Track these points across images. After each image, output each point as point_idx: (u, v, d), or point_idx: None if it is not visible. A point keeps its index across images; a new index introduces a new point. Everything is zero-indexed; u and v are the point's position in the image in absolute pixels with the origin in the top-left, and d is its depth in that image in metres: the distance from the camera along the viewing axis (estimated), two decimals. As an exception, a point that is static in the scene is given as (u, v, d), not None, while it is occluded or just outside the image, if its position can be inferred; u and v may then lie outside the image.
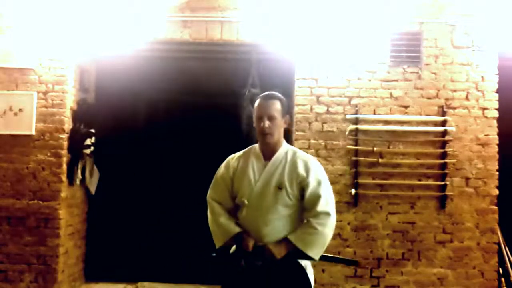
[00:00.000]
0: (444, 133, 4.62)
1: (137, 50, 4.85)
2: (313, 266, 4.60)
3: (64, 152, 4.61)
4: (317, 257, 2.48)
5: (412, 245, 4.57)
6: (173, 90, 5.27)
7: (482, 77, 4.67)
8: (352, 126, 4.61)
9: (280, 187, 2.48)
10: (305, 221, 2.51)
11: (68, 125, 4.66)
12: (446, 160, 4.58)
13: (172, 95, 5.28)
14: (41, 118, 4.60)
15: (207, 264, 2.70)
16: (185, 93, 5.25)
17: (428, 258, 4.56)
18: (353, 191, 4.56)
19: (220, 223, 2.54)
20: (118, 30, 4.63)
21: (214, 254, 2.57)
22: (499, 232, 4.65)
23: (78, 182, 4.80)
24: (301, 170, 2.52)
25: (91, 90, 5.18)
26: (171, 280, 5.10)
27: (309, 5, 4.64)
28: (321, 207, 2.47)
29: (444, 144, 4.62)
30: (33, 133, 4.57)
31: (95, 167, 5.07)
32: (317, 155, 4.63)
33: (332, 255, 2.62)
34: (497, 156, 4.62)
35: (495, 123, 4.64)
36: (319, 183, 2.53)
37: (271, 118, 2.51)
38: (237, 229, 2.50)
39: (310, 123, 4.66)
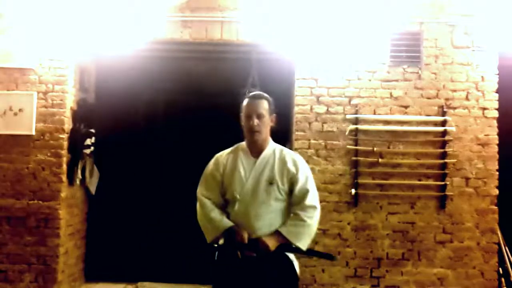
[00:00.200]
0: (444, 133, 4.62)
1: (137, 50, 4.85)
2: (313, 266, 4.62)
3: (64, 152, 4.61)
4: (304, 248, 2.59)
5: (412, 245, 4.57)
6: (173, 90, 5.27)
7: (482, 77, 4.67)
8: (352, 126, 4.61)
9: (271, 182, 2.60)
10: (292, 214, 2.63)
11: (68, 125, 4.66)
12: (446, 160, 4.59)
13: (172, 95, 5.29)
14: (41, 118, 4.59)
15: (208, 261, 2.75)
16: (185, 93, 5.26)
17: (428, 258, 4.56)
18: (353, 191, 4.57)
19: (211, 218, 2.62)
20: (118, 30, 4.62)
21: (216, 245, 2.64)
22: (499, 232, 4.65)
23: (78, 182, 4.80)
24: (291, 166, 2.64)
25: (91, 90, 5.18)
26: (171, 280, 5.10)
27: (309, 5, 4.63)
28: (309, 201, 2.61)
29: (444, 144, 4.62)
30: (33, 133, 4.57)
31: (95, 167, 5.08)
32: (317, 155, 4.63)
33: (311, 249, 2.76)
34: (497, 156, 4.62)
35: (495, 123, 4.64)
36: (307, 179, 2.66)
37: (259, 117, 2.63)
38: (229, 223, 2.59)
39: (310, 123, 4.66)
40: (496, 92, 4.66)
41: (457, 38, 4.69)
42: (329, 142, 4.64)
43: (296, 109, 4.68)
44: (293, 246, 2.57)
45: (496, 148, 4.63)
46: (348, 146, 4.62)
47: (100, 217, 5.20)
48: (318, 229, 4.52)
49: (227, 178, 2.67)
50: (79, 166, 4.78)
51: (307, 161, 4.51)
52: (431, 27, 4.68)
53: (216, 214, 2.63)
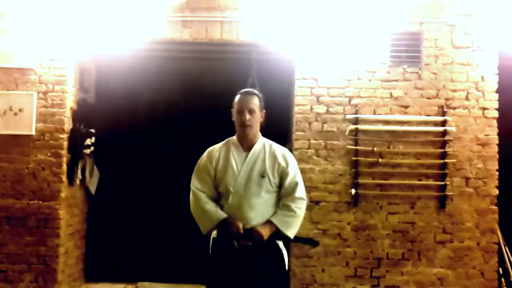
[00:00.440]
0: (444, 133, 4.62)
1: (137, 50, 4.85)
2: (313, 266, 4.62)
3: (64, 152, 4.61)
4: (292, 236, 2.77)
5: (412, 245, 4.57)
6: (173, 90, 5.27)
7: (482, 77, 4.67)
8: (352, 126, 4.61)
9: (263, 175, 2.74)
10: (281, 204, 2.78)
11: (68, 125, 4.66)
12: (446, 160, 4.59)
13: (172, 95, 5.28)
14: (41, 118, 4.60)
15: (201, 255, 2.89)
16: (185, 93, 5.25)
17: (428, 258, 4.56)
18: (353, 191, 4.57)
19: (206, 210, 2.75)
20: (118, 30, 4.63)
21: (215, 237, 2.75)
22: (499, 232, 4.65)
23: (78, 182, 4.81)
24: (281, 161, 2.80)
25: (91, 90, 5.18)
26: (171, 280, 5.10)
27: (309, 5, 4.64)
28: (298, 193, 2.78)
29: (444, 144, 4.62)
30: (33, 133, 4.57)
31: (95, 167, 5.08)
32: (317, 155, 4.63)
33: (296, 236, 2.86)
34: (497, 156, 4.62)
35: (495, 123, 4.64)
36: (296, 173, 2.82)
37: (251, 112, 2.77)
38: (223, 215, 2.72)
39: (310, 123, 4.66)
40: (496, 92, 4.66)
41: (457, 38, 4.69)
42: (329, 142, 4.64)
43: (296, 109, 4.68)
44: (282, 234, 2.73)
45: (496, 148, 4.63)
46: (348, 146, 4.62)
47: (100, 217, 5.20)
48: (318, 229, 4.57)
49: (220, 172, 2.79)
50: (79, 166, 4.78)
51: (307, 161, 4.58)
52: (431, 27, 4.68)
53: (210, 206, 2.75)
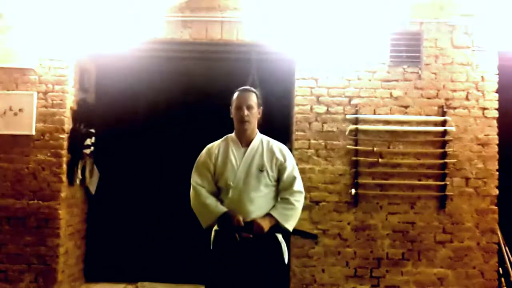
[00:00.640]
0: (444, 133, 4.62)
1: (137, 50, 4.86)
2: (313, 266, 4.63)
3: (64, 152, 4.61)
4: (291, 229, 2.84)
5: (412, 245, 4.57)
6: (173, 90, 5.26)
7: (482, 77, 4.67)
8: (352, 126, 4.61)
9: (261, 169, 2.82)
10: (280, 198, 2.85)
11: (68, 125, 4.66)
12: (446, 160, 4.59)
13: (172, 95, 5.28)
14: (41, 118, 4.60)
15: (202, 250, 2.97)
16: (185, 93, 5.25)
17: (428, 258, 4.56)
18: (353, 191, 4.57)
19: (207, 204, 2.81)
20: (118, 30, 4.63)
21: (217, 229, 2.81)
22: (499, 232, 4.65)
23: (78, 182, 4.81)
24: (279, 155, 2.87)
25: (91, 90, 5.18)
26: (171, 280, 5.10)
27: (309, 5, 4.64)
28: (296, 187, 2.85)
29: (444, 144, 4.62)
30: (33, 133, 4.57)
31: (95, 167, 5.08)
32: (317, 155, 4.63)
33: (295, 229, 2.96)
34: (497, 156, 4.62)
35: (495, 123, 4.64)
36: (293, 167, 2.90)
37: (249, 108, 2.85)
38: (224, 209, 2.78)
39: (310, 123, 4.66)
40: (496, 92, 4.66)
41: (457, 38, 4.69)
42: (329, 142, 4.64)
43: (296, 109, 4.68)
44: (281, 227, 2.80)
45: (496, 148, 4.63)
46: (348, 146, 4.62)
47: (100, 217, 5.21)
48: (318, 229, 4.56)
49: (220, 167, 2.86)
50: (79, 166, 4.78)
51: (307, 161, 4.57)
52: (431, 27, 4.68)
53: (211, 200, 2.82)
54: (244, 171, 2.81)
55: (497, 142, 4.63)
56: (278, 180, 2.86)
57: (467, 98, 4.66)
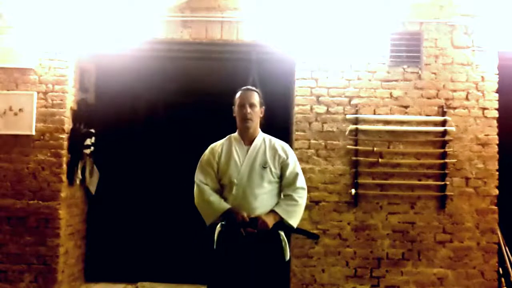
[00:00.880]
0: (444, 133, 4.62)
1: (137, 50, 4.86)
2: (313, 266, 4.63)
3: (64, 152, 4.61)
4: (295, 225, 2.88)
5: (412, 245, 4.57)
6: (173, 90, 5.27)
7: (482, 77, 4.67)
8: (352, 126, 4.61)
9: (264, 166, 2.87)
10: (283, 195, 2.91)
11: (68, 125, 4.66)
12: (446, 160, 4.59)
13: (172, 95, 5.28)
14: (41, 118, 4.60)
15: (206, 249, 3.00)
16: (185, 93, 5.25)
17: (428, 258, 4.56)
18: (353, 191, 4.57)
19: (211, 201, 2.86)
20: (118, 30, 4.63)
21: (224, 223, 2.86)
22: (499, 232, 4.65)
23: (78, 182, 4.81)
24: (281, 152, 2.93)
25: (91, 90, 5.18)
26: (171, 280, 5.10)
27: (309, 5, 4.64)
28: (299, 183, 2.91)
29: (444, 144, 4.62)
30: (33, 133, 4.57)
31: (95, 167, 5.08)
32: (317, 155, 4.63)
33: (298, 228, 2.99)
34: (497, 156, 4.62)
35: (495, 123, 4.64)
36: (295, 164, 2.96)
37: (252, 106, 2.91)
38: (227, 206, 2.83)
39: (310, 123, 4.66)
40: (496, 92, 4.66)
41: (457, 38, 4.69)
42: (329, 142, 4.64)
43: (296, 109, 4.68)
44: (285, 223, 2.85)
45: (496, 148, 4.63)
46: (348, 146, 4.62)
47: (100, 217, 5.20)
48: (318, 229, 4.56)
49: (223, 165, 2.91)
50: (79, 166, 4.78)
51: (307, 161, 4.57)
52: (431, 27, 4.68)
53: (214, 198, 2.87)
54: (247, 168, 2.86)
55: (497, 142, 4.63)
56: (281, 177, 2.91)
57: (467, 98, 4.66)
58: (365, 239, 4.58)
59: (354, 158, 4.61)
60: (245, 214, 2.78)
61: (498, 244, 4.62)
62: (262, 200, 2.84)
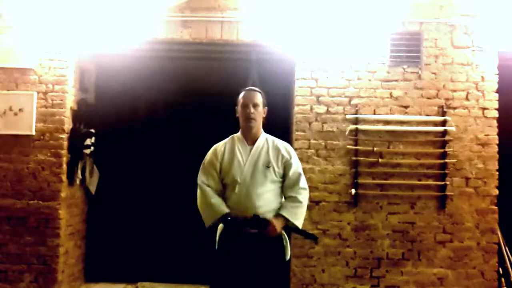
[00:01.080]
0: (444, 133, 4.62)
1: (137, 50, 4.86)
2: (313, 266, 4.62)
3: (64, 152, 4.61)
4: (300, 226, 2.94)
5: (412, 245, 4.57)
6: (173, 90, 5.27)
7: (482, 77, 4.67)
8: (352, 126, 4.61)
9: (267, 166, 2.90)
10: (286, 196, 2.94)
11: (68, 125, 4.66)
12: (446, 160, 4.59)
13: (172, 95, 5.28)
14: (41, 118, 4.60)
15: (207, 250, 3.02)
16: (185, 93, 5.25)
17: (428, 258, 4.56)
18: (353, 191, 4.57)
19: (212, 203, 2.89)
20: (118, 30, 4.63)
21: (229, 218, 2.86)
22: (499, 232, 4.65)
23: (78, 182, 4.81)
24: (284, 153, 2.97)
25: (91, 90, 5.18)
26: (171, 280, 5.10)
27: (309, 5, 4.64)
28: (302, 184, 2.95)
29: (444, 144, 4.62)
30: (33, 133, 4.57)
31: (95, 167, 5.08)
32: (317, 155, 4.63)
33: (299, 228, 3.02)
34: (497, 156, 4.62)
35: (495, 123, 4.64)
36: (298, 164, 3.00)
37: (255, 106, 2.94)
38: (226, 210, 2.86)
39: (310, 123, 4.66)
40: (496, 92, 4.66)
41: (457, 38, 4.69)
42: (329, 142, 4.64)
43: (296, 109, 4.68)
44: (291, 225, 2.90)
45: (496, 148, 4.63)
46: (348, 146, 4.62)
47: (100, 217, 5.20)
48: (318, 229, 4.56)
49: (226, 164, 2.94)
50: (79, 166, 4.78)
51: (307, 161, 4.57)
52: (431, 27, 4.68)
53: (216, 200, 2.89)
54: (251, 167, 2.89)
55: (497, 142, 4.63)
56: (283, 177, 2.95)
57: (467, 98, 4.66)
58: (365, 239, 4.58)
59: (354, 158, 4.61)
60: (245, 214, 2.81)
61: (498, 244, 4.62)
62: (265, 199, 2.87)
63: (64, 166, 4.61)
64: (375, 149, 4.60)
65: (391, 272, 4.55)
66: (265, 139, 3.00)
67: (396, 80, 4.68)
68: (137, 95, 5.32)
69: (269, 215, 2.86)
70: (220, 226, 2.96)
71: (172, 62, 5.19)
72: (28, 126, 4.56)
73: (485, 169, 4.60)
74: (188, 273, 5.02)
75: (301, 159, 4.50)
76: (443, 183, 4.58)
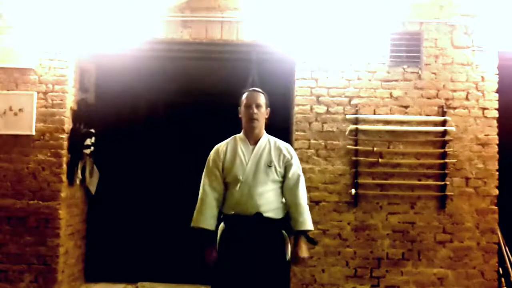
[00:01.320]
0: (444, 133, 4.62)
1: (137, 50, 4.86)
2: (313, 266, 4.62)
3: (64, 152, 4.61)
4: (312, 227, 2.98)
5: (412, 245, 4.57)
6: (173, 90, 5.26)
7: (482, 77, 4.67)
8: (352, 126, 4.61)
9: (269, 165, 2.94)
10: (293, 204, 2.94)
11: (68, 125, 4.66)
12: (446, 160, 4.59)
13: (172, 95, 5.28)
14: (41, 118, 4.60)
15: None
16: (185, 93, 5.25)
17: (428, 258, 4.56)
18: (353, 191, 4.57)
19: (203, 212, 2.92)
20: (118, 30, 4.63)
21: (234, 212, 2.89)
22: (499, 232, 4.65)
23: (78, 182, 4.81)
24: (286, 153, 3.01)
25: (91, 90, 5.18)
26: (171, 280, 5.10)
27: (309, 5, 4.64)
28: (301, 185, 2.99)
29: (444, 144, 4.62)
30: (33, 133, 4.57)
31: (95, 167, 5.08)
32: (317, 155, 4.63)
33: (299, 230, 3.01)
34: (497, 156, 4.62)
35: (495, 123, 4.64)
36: (298, 166, 3.03)
37: (258, 106, 2.97)
38: (210, 227, 2.90)
39: (310, 123, 4.66)
40: (496, 92, 4.66)
41: (457, 38, 4.69)
42: (329, 142, 4.64)
43: (296, 109, 4.68)
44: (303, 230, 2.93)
45: (496, 148, 4.63)
46: (348, 146, 4.62)
47: (100, 217, 5.20)
48: (318, 229, 4.55)
49: (228, 163, 2.97)
50: (79, 166, 4.78)
51: (307, 161, 4.57)
52: (431, 27, 4.68)
53: (209, 212, 2.91)
54: (253, 166, 2.92)
55: (497, 142, 4.63)
56: (283, 177, 2.98)
57: (467, 98, 4.66)
58: (365, 239, 4.57)
59: (354, 158, 4.61)
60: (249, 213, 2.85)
61: (498, 244, 4.62)
62: (267, 198, 2.89)
63: (64, 166, 4.61)
64: (375, 149, 4.60)
65: (391, 272, 4.55)
66: (267, 140, 3.03)
67: (396, 80, 4.68)
68: (137, 95, 5.32)
69: (270, 214, 2.87)
70: (221, 226, 2.97)
71: (172, 62, 5.19)
72: (28, 126, 4.56)
73: (485, 169, 4.60)
74: (188, 273, 5.02)
75: (301, 159, 4.50)
76: (443, 183, 4.57)
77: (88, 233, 5.20)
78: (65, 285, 4.66)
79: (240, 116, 3.05)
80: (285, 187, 2.97)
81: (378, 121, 4.65)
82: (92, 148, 4.93)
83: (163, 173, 5.27)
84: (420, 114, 4.65)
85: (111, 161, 5.20)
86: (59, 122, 4.61)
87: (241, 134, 3.06)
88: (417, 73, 4.68)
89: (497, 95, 4.66)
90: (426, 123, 4.65)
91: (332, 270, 4.56)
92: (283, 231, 2.95)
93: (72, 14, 4.63)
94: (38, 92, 4.61)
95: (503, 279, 4.62)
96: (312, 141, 4.65)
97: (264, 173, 2.91)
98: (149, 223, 5.20)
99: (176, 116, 5.34)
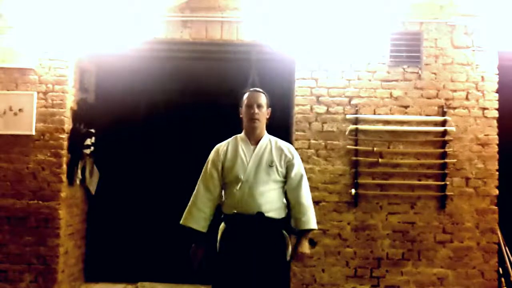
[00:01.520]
0: (444, 133, 4.62)
1: (137, 50, 4.86)
2: (313, 266, 4.62)
3: (64, 152, 4.61)
4: (316, 226, 3.00)
5: (412, 245, 4.57)
6: (173, 90, 5.27)
7: (482, 77, 4.67)
8: (352, 126, 4.61)
9: (271, 165, 2.93)
10: (297, 204, 2.94)
11: (68, 125, 4.66)
12: (446, 160, 4.59)
13: (172, 95, 5.28)
14: (41, 118, 4.60)
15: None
16: (185, 93, 5.26)
17: (428, 258, 4.56)
18: (353, 191, 4.57)
19: (192, 213, 2.99)
20: (118, 30, 4.63)
21: (235, 211, 2.88)
22: (499, 232, 4.65)
23: (78, 182, 4.81)
24: (287, 153, 3.00)
25: (91, 90, 5.19)
26: (171, 280, 5.10)
27: (309, 5, 4.64)
28: (304, 185, 2.99)
29: (444, 144, 4.62)
30: (33, 133, 4.57)
31: (95, 167, 5.08)
32: (317, 155, 4.63)
33: (299, 230, 3.04)
34: (497, 156, 4.62)
35: (495, 123, 4.64)
36: (300, 165, 3.02)
37: (259, 106, 2.96)
38: (202, 229, 2.99)
39: (310, 123, 4.66)
40: (496, 92, 4.66)
41: (457, 38, 4.69)
42: (329, 142, 4.64)
43: (296, 109, 4.68)
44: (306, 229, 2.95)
45: (496, 148, 4.63)
46: (348, 146, 4.62)
47: (100, 217, 5.21)
48: (318, 229, 4.54)
49: (228, 162, 2.96)
50: (79, 166, 4.78)
51: (307, 161, 4.57)
52: (431, 27, 4.69)
53: (200, 213, 2.97)
54: (254, 166, 2.91)
55: (497, 142, 4.63)
56: (286, 177, 2.97)
57: (467, 98, 4.66)
58: (365, 239, 4.57)
59: (354, 158, 4.61)
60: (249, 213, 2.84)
61: (498, 244, 4.62)
62: (268, 198, 2.88)
63: (64, 166, 4.61)
64: (375, 149, 4.60)
65: (391, 272, 4.55)
66: (268, 140, 3.02)
67: (396, 80, 4.68)
68: (137, 95, 5.32)
69: (271, 214, 2.87)
70: (222, 225, 2.98)
71: (172, 62, 5.19)
72: (28, 126, 4.56)
73: (485, 169, 4.60)
74: (188, 273, 5.01)
75: (301, 159, 4.53)
76: (443, 183, 4.57)
77: (88, 233, 5.20)
78: (65, 285, 4.66)
79: (241, 116, 3.04)
80: (288, 187, 2.96)
81: (378, 121, 4.65)
82: (92, 148, 4.94)
83: (163, 173, 5.27)
84: (420, 114, 4.65)
85: (111, 161, 5.20)
86: (59, 122, 4.61)
87: (242, 134, 3.05)
88: (417, 73, 4.68)
89: (497, 95, 4.66)
90: (426, 123, 4.65)
91: (332, 270, 4.56)
92: (284, 231, 2.95)
93: (72, 14, 4.62)
94: (38, 92, 4.61)
95: (503, 279, 4.61)
96: (312, 141, 4.65)
97: (265, 172, 2.90)
98: (149, 223, 5.20)
99: (176, 116, 5.34)
